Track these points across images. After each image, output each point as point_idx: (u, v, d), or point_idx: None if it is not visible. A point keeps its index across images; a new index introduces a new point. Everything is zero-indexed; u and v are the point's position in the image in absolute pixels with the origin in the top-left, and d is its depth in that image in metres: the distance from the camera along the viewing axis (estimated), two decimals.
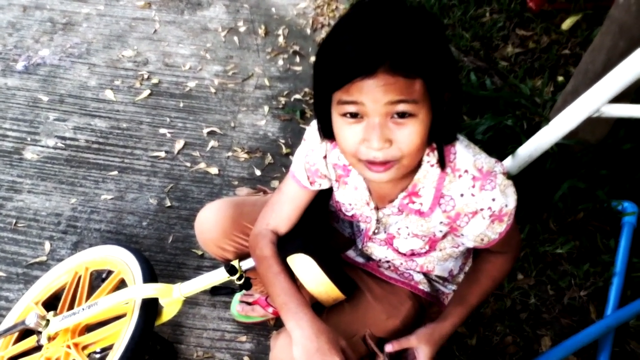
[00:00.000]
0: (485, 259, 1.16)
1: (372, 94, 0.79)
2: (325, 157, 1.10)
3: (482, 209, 0.96)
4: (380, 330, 1.15)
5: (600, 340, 1.63)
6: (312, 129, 1.09)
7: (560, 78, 2.51)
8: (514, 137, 2.07)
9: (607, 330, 1.62)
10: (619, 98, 1.57)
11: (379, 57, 0.77)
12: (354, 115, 0.84)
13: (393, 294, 1.22)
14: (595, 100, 1.58)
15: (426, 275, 1.25)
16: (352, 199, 1.13)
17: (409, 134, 0.83)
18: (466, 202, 0.96)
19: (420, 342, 1.07)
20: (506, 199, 0.96)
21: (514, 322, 1.72)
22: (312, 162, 1.11)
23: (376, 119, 0.82)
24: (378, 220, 1.11)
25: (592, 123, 1.72)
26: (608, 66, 1.61)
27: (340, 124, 0.87)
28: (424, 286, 1.24)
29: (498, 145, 2.07)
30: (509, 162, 1.85)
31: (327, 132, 0.95)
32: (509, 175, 1.83)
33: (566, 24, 2.75)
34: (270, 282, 1.10)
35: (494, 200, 0.95)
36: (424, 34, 0.80)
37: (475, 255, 1.25)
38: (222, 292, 1.39)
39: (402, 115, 0.82)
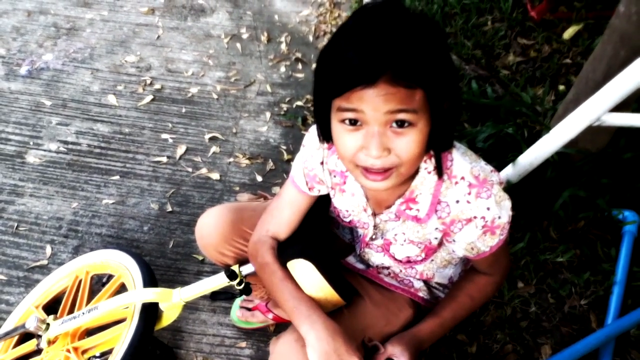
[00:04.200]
0: (468, 277, 1.16)
1: (373, 103, 0.79)
2: (322, 163, 1.10)
3: (475, 217, 0.96)
4: (378, 337, 1.14)
5: (601, 349, 1.63)
6: (311, 135, 1.09)
7: (561, 87, 2.51)
8: (514, 145, 2.07)
9: (607, 339, 1.61)
10: (620, 107, 1.57)
11: (380, 67, 0.76)
12: (353, 122, 0.84)
13: (392, 301, 1.22)
14: (596, 109, 1.58)
15: (426, 282, 1.25)
16: (350, 205, 1.13)
17: (407, 142, 0.83)
18: (461, 208, 0.97)
19: (394, 345, 1.07)
20: (500, 211, 0.96)
21: (514, 330, 1.72)
22: (311, 168, 1.11)
23: (375, 128, 0.82)
24: (375, 226, 1.12)
25: (593, 132, 1.72)
26: (609, 75, 1.62)
27: (339, 131, 0.87)
28: (423, 293, 1.24)
29: (499, 153, 2.07)
30: (509, 170, 1.85)
31: (326, 136, 0.96)
32: (507, 184, 1.84)
33: (567, 34, 2.76)
34: (277, 288, 1.09)
35: (488, 209, 0.95)
36: (426, 44, 0.79)
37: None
38: (222, 297, 1.39)
39: (401, 124, 0.82)
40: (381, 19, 0.79)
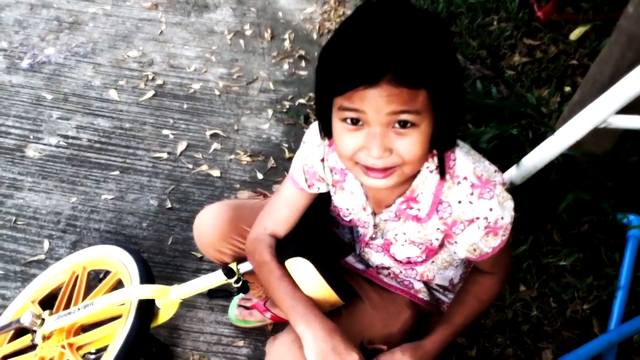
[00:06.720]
0: (473, 280, 1.14)
1: (375, 103, 0.77)
2: (322, 160, 1.08)
3: (478, 218, 0.94)
4: (377, 339, 1.13)
5: (603, 355, 1.61)
6: (312, 131, 1.08)
7: (567, 88, 2.49)
8: (519, 147, 2.05)
9: (610, 345, 1.60)
10: (627, 109, 1.56)
11: (383, 67, 0.74)
12: (354, 121, 0.82)
13: (392, 302, 1.20)
14: (602, 111, 1.56)
15: (426, 284, 1.23)
16: (349, 204, 1.12)
17: (410, 143, 0.82)
18: (463, 209, 0.95)
19: (405, 355, 1.04)
20: (503, 211, 0.94)
21: (515, 334, 1.70)
22: (311, 165, 1.09)
23: (377, 129, 0.80)
24: (375, 226, 1.10)
25: (598, 134, 1.70)
26: (616, 77, 1.60)
27: (340, 129, 0.85)
28: (423, 295, 1.22)
29: (503, 155, 2.05)
30: (513, 172, 1.83)
31: (327, 132, 0.94)
32: (511, 186, 1.82)
33: (574, 35, 2.73)
34: (273, 286, 1.08)
35: (491, 210, 0.93)
36: (431, 43, 0.77)
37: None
38: (220, 295, 1.38)
39: (404, 125, 0.80)
40: (385, 15, 0.77)
